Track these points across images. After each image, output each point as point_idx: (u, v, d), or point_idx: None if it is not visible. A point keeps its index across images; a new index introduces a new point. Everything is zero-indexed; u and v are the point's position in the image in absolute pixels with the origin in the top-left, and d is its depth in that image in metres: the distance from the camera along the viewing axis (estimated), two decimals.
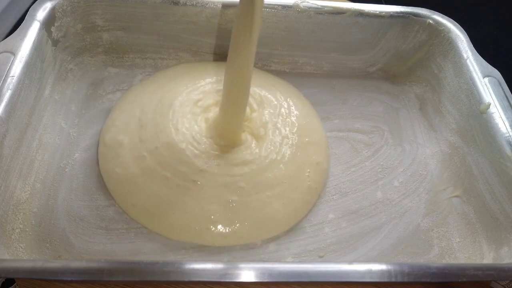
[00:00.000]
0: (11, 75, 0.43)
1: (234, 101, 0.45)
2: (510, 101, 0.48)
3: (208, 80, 0.55)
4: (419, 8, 0.57)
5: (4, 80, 0.42)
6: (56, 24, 0.50)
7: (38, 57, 0.47)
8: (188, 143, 0.47)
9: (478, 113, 0.48)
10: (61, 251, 0.41)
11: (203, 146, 0.47)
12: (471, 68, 0.51)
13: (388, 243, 0.45)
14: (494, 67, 0.51)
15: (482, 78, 0.50)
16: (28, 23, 0.47)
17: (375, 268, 0.34)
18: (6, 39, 0.45)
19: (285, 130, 0.51)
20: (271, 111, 0.53)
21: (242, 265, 0.33)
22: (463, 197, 0.48)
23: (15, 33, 0.46)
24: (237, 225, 0.43)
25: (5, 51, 0.44)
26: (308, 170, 0.48)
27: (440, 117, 0.55)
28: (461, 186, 0.49)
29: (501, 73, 0.50)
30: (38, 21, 0.48)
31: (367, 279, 0.34)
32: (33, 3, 0.49)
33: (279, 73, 0.60)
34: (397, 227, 0.47)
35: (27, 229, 0.41)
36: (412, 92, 0.60)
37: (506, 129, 0.45)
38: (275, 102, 0.54)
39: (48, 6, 0.50)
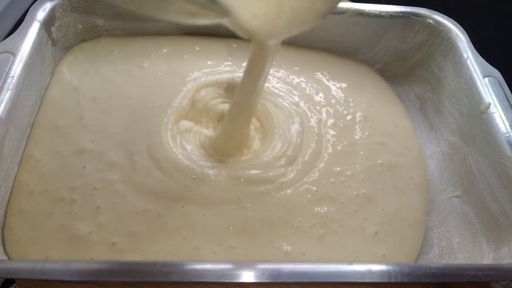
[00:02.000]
0: (11, 75, 0.43)
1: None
2: (510, 101, 0.48)
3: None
4: (419, 8, 0.57)
5: (4, 80, 0.42)
6: (56, 24, 0.50)
7: (38, 57, 0.47)
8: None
9: (478, 113, 0.48)
10: None
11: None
12: (471, 68, 0.51)
13: None
14: (494, 67, 0.51)
15: (482, 78, 0.50)
16: (28, 23, 0.47)
17: (375, 268, 0.34)
18: (6, 39, 0.45)
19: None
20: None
21: (242, 266, 0.33)
22: (463, 197, 0.48)
23: (15, 33, 0.46)
24: None
25: (5, 51, 0.44)
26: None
27: (440, 117, 0.55)
28: (461, 186, 0.49)
29: (501, 73, 0.50)
30: (38, 21, 0.48)
31: (367, 280, 0.34)
32: (33, 3, 0.49)
33: None
34: None
35: None
36: (412, 92, 0.60)
37: (506, 129, 0.45)
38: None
39: (48, 6, 0.50)
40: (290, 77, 0.56)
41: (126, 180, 0.42)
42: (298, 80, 0.56)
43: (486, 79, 0.50)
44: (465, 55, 0.52)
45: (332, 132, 0.51)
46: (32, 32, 0.46)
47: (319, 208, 0.44)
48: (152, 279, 0.32)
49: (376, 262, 0.42)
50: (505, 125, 0.45)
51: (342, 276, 0.34)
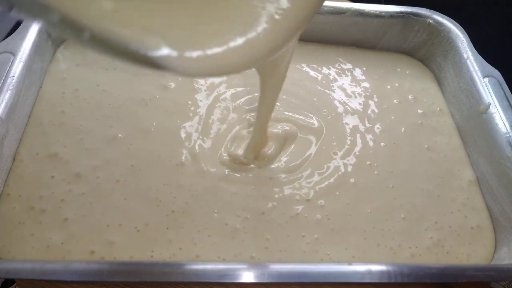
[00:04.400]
0: (11, 75, 0.43)
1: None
2: (510, 101, 0.48)
3: None
4: (419, 8, 0.57)
5: (4, 80, 0.42)
6: None
7: (38, 57, 0.47)
8: None
9: (478, 113, 0.48)
10: None
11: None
12: (471, 68, 0.51)
13: None
14: (494, 67, 0.51)
15: (482, 78, 0.50)
16: (28, 23, 0.47)
17: (374, 269, 0.34)
18: (6, 39, 0.45)
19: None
20: None
21: (242, 266, 0.33)
22: None
23: (15, 33, 0.46)
24: None
25: (5, 51, 0.44)
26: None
27: None
28: None
29: (501, 73, 0.50)
30: None
31: (367, 280, 0.34)
32: None
33: None
34: None
35: None
36: None
37: (506, 129, 0.45)
38: None
39: None
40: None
41: (92, 195, 0.41)
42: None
43: (486, 79, 0.50)
44: (465, 55, 0.52)
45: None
46: (32, 32, 0.46)
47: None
48: (152, 279, 0.32)
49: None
50: (505, 125, 0.45)
51: (342, 276, 0.34)
